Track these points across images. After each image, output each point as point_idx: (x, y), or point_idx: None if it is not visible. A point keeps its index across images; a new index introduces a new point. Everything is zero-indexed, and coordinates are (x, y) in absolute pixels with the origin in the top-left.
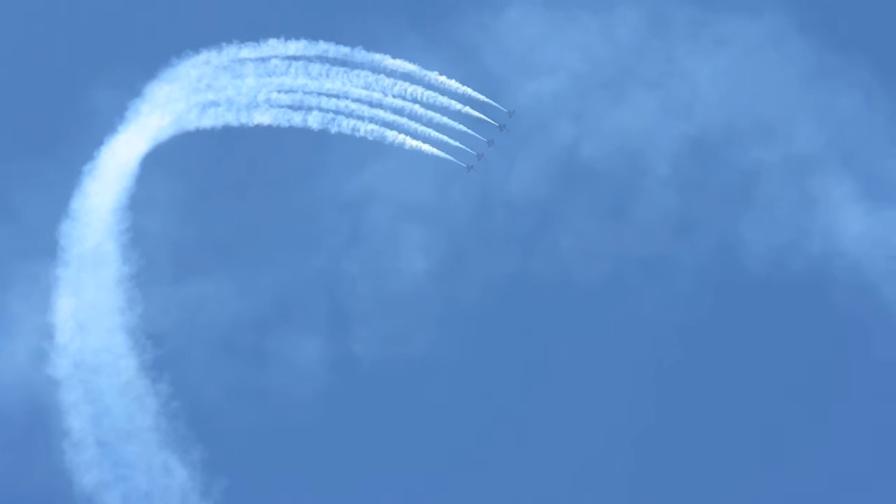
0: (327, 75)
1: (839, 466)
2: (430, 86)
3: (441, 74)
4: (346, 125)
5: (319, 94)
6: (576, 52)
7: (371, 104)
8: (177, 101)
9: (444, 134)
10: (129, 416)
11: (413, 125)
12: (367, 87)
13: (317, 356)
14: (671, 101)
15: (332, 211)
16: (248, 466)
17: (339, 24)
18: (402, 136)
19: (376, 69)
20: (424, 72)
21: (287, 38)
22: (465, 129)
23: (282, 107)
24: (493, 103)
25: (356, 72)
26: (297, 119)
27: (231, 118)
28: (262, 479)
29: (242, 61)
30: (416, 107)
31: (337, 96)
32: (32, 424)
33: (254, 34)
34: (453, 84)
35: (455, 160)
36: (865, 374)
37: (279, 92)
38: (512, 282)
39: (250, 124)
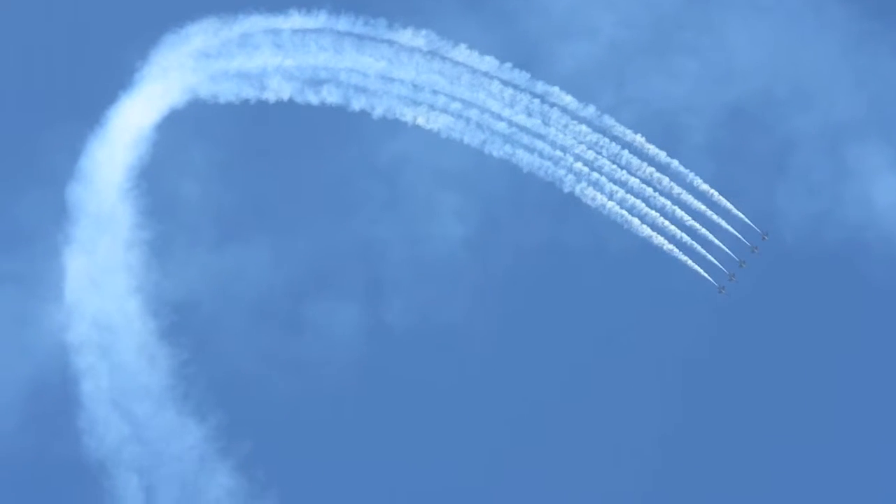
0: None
1: (873, 437)
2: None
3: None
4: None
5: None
6: (615, 17)
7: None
8: (191, 67)
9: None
10: (149, 379)
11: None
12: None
13: (351, 323)
14: (710, 68)
15: (367, 177)
16: (278, 432)
17: None
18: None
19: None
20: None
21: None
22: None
23: (299, 80)
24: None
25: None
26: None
27: (249, 91)
28: (292, 444)
29: (261, 30)
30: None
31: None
32: (53, 389)
33: (271, 2)
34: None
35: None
36: None
37: (297, 64)
38: (547, 249)
39: (272, 98)
